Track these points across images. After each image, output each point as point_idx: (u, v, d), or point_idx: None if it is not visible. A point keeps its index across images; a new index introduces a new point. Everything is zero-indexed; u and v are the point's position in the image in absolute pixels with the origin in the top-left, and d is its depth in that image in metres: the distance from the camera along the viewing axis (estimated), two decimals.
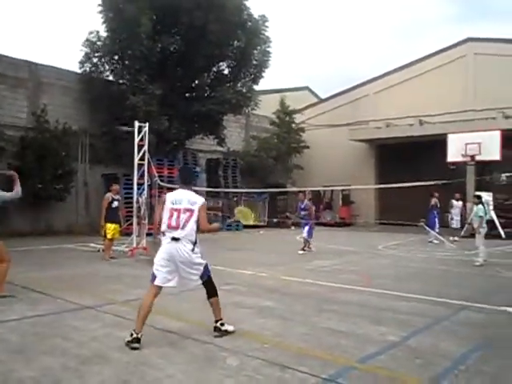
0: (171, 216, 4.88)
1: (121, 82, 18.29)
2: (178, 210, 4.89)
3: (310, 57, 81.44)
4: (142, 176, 12.40)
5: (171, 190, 20.56)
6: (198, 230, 4.97)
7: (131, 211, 12.98)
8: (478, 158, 18.40)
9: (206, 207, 5.16)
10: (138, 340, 4.55)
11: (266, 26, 19.96)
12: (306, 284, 8.19)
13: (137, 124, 12.37)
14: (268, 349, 4.54)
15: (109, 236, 11.21)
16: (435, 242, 15.45)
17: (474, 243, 11.55)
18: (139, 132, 12.34)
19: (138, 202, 12.25)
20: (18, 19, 58.29)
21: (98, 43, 18.28)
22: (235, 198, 22.33)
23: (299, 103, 27.36)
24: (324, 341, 4.85)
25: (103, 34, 18.30)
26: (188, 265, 4.85)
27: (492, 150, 17.98)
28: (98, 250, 12.32)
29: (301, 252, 12.80)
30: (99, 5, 17.91)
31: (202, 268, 4.94)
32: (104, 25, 18.02)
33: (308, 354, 4.40)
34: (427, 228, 15.75)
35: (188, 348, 4.56)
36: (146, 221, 12.53)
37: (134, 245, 12.03)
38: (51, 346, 4.59)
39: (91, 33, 18.29)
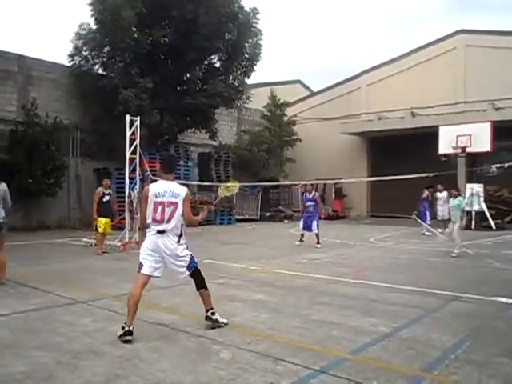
0: (155, 210, 4.81)
1: (111, 75, 18.15)
2: (162, 204, 4.81)
3: (302, 50, 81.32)
4: (133, 170, 12.35)
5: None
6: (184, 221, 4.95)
7: (123, 205, 12.95)
8: (468, 149, 18.55)
9: (190, 197, 5.10)
10: (130, 332, 4.55)
11: (258, 19, 19.89)
12: (298, 277, 8.22)
13: (128, 118, 12.30)
14: (260, 341, 4.56)
15: (100, 230, 11.23)
16: (427, 233, 15.55)
17: (465, 235, 11.64)
18: (131, 126, 12.28)
19: (130, 196, 12.23)
20: (6, 11, 57.61)
21: (88, 36, 18.11)
22: None
23: (291, 96, 27.31)
24: (316, 333, 4.88)
25: (93, 26, 18.14)
26: (174, 257, 4.86)
27: (483, 142, 18.12)
28: (90, 245, 12.28)
29: (319, 246, 12.52)
30: None
31: (188, 259, 4.95)
32: (93, 17, 17.85)
33: (300, 346, 4.42)
34: (419, 220, 15.84)
35: (181, 341, 4.57)
36: (139, 215, 12.49)
37: (127, 239, 12.01)
38: (43, 340, 4.57)
39: (81, 25, 18.13)
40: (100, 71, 18.78)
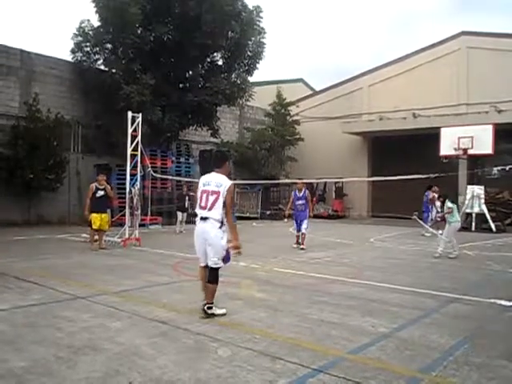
0: (201, 197, 5.36)
1: (113, 71, 18.15)
2: (207, 192, 5.32)
3: (304, 49, 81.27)
4: (135, 167, 12.36)
5: (165, 180, 20.48)
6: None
7: (124, 202, 12.95)
8: (470, 151, 18.53)
9: (232, 191, 5.48)
10: (206, 306, 5.28)
11: (261, 17, 19.91)
12: (297, 276, 8.23)
13: (130, 114, 12.31)
14: (259, 340, 4.57)
15: (94, 226, 11.20)
16: (426, 234, 15.55)
17: (465, 237, 11.67)
18: (132, 122, 12.28)
19: (130, 192, 12.23)
20: (9, 6, 57.55)
21: (90, 32, 18.11)
22: None
23: (293, 95, 27.30)
24: (315, 332, 4.89)
25: (96, 22, 18.15)
26: (211, 243, 5.25)
27: (484, 144, 18.11)
28: (85, 241, 12.28)
29: (303, 246, 12.03)
30: None
31: (224, 252, 5.31)
32: (97, 14, 17.84)
33: (299, 345, 4.43)
34: (420, 221, 15.83)
35: (179, 338, 4.58)
36: (139, 211, 12.51)
37: (127, 235, 12.02)
38: (42, 335, 4.59)
39: (83, 21, 18.12)
40: (102, 67, 18.78)
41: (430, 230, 13.30)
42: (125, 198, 12.67)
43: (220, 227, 5.24)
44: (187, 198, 16.06)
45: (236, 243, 5.36)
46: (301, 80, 33.99)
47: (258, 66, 20.54)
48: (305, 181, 14.72)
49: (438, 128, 19.55)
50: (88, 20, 18.12)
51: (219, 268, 5.33)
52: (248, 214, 23.37)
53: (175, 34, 18.44)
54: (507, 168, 13.29)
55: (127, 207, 12.32)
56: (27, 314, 5.37)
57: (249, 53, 20.20)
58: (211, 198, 5.25)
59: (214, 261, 5.25)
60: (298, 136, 26.36)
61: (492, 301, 6.34)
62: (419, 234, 16.03)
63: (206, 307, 5.30)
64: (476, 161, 20.06)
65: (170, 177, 18.25)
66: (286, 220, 12.26)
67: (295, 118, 26.88)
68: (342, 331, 4.91)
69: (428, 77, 23.52)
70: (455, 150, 18.67)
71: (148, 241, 12.58)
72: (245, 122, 27.31)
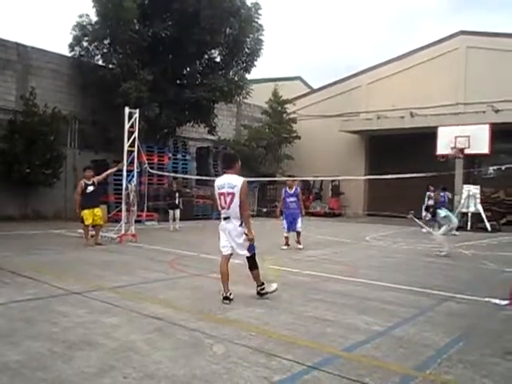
0: (220, 199, 5.96)
1: (111, 67, 18.10)
2: (224, 194, 5.90)
3: (303, 47, 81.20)
4: (131, 163, 12.33)
5: (161, 177, 20.41)
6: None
7: (120, 198, 12.92)
8: (466, 151, 18.57)
9: (247, 187, 6.06)
10: (226, 298, 5.80)
11: (259, 14, 19.88)
12: (293, 273, 8.24)
13: (127, 110, 12.28)
14: (254, 336, 4.58)
15: (86, 222, 11.13)
16: (423, 231, 15.58)
17: (461, 236, 11.71)
18: (129, 118, 12.25)
19: (127, 188, 12.20)
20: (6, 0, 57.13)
21: (88, 27, 18.05)
22: None
23: (291, 93, 27.29)
24: (310, 329, 4.90)
25: (94, 17, 18.09)
26: (236, 238, 5.90)
27: (481, 144, 18.15)
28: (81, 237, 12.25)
29: (301, 246, 11.53)
30: None
31: (247, 243, 5.91)
32: (95, 8, 17.78)
33: (294, 343, 4.44)
34: (416, 220, 15.87)
35: (175, 334, 4.58)
36: (135, 208, 12.49)
37: (123, 231, 12.00)
38: (38, 330, 4.58)
39: (81, 16, 18.07)
40: (100, 62, 18.73)
41: (426, 227, 13.34)
42: (121, 193, 12.65)
43: (240, 225, 5.89)
44: (177, 194, 15.93)
45: (250, 236, 5.92)
46: (299, 78, 33.97)
47: (255, 63, 20.53)
48: (299, 178, 14.38)
49: (435, 127, 19.59)
50: (87, 15, 18.10)
51: (254, 256, 6.02)
52: None
53: (173, 30, 18.39)
54: (503, 168, 13.32)
55: (123, 203, 12.30)
56: (23, 308, 5.36)
57: (247, 50, 20.17)
58: (228, 199, 5.85)
59: (244, 252, 5.95)
60: (294, 134, 26.35)
61: (487, 299, 6.37)
62: (415, 232, 16.07)
63: (259, 289, 6.07)
64: (472, 160, 20.12)
65: (167, 173, 18.25)
66: (282, 218, 12.12)
67: (292, 115, 26.87)
68: (338, 329, 4.92)
69: (426, 76, 23.56)
70: (452, 149, 18.71)
71: (144, 237, 12.57)
72: (242, 119, 27.28)
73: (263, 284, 6.11)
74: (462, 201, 18.27)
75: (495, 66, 21.55)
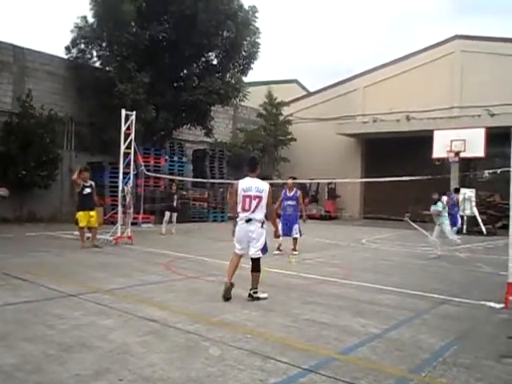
0: (244, 201, 6.08)
1: (108, 69, 18.08)
2: (250, 197, 6.06)
3: (300, 50, 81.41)
4: (128, 165, 12.32)
5: (158, 179, 20.38)
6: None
7: (116, 200, 12.90)
8: (462, 154, 18.64)
9: (272, 191, 6.29)
10: (231, 284, 6.06)
11: (256, 17, 19.95)
12: (289, 276, 8.25)
13: (124, 112, 12.27)
14: (250, 339, 4.58)
15: (80, 224, 11.08)
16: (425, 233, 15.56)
17: (462, 239, 11.77)
18: (126, 120, 12.25)
19: (123, 191, 12.19)
20: (3, 1, 57.04)
21: (86, 29, 18.04)
22: (221, 189, 22.32)
23: (288, 96, 27.36)
24: (306, 332, 4.90)
25: (91, 19, 18.07)
26: (256, 239, 6.11)
27: (476, 147, 18.24)
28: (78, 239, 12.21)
29: (295, 253, 10.84)
30: None
31: (263, 244, 6.18)
32: (92, 11, 17.78)
33: (290, 345, 4.44)
34: (412, 223, 15.88)
35: (170, 337, 4.57)
36: (131, 210, 12.47)
37: (119, 234, 11.98)
38: (33, 333, 4.56)
39: (78, 18, 18.07)
40: (97, 64, 18.71)
41: (422, 230, 13.36)
42: (117, 196, 12.63)
43: (261, 226, 6.12)
44: (175, 196, 15.90)
45: (277, 233, 6.89)
46: (295, 81, 34.06)
47: (252, 66, 20.60)
48: (296, 181, 13.83)
49: (431, 131, 19.67)
50: (84, 17, 18.07)
51: (260, 258, 6.19)
52: None
53: (171, 32, 18.43)
54: (498, 171, 13.37)
55: (120, 205, 12.28)
56: (18, 310, 5.34)
57: (244, 53, 20.22)
58: (254, 202, 6.04)
59: (255, 251, 6.12)
60: (290, 136, 26.39)
61: (482, 303, 6.39)
62: (411, 235, 16.07)
63: (251, 291, 6.11)
64: (468, 164, 20.20)
65: (163, 175, 18.22)
66: (278, 220, 12.00)
67: (288, 118, 26.92)
68: (333, 331, 4.93)
69: (422, 79, 23.66)
70: (448, 152, 18.78)
71: (140, 239, 12.55)
72: (238, 122, 27.31)
73: (257, 288, 6.18)
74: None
75: (491, 70, 21.66)
